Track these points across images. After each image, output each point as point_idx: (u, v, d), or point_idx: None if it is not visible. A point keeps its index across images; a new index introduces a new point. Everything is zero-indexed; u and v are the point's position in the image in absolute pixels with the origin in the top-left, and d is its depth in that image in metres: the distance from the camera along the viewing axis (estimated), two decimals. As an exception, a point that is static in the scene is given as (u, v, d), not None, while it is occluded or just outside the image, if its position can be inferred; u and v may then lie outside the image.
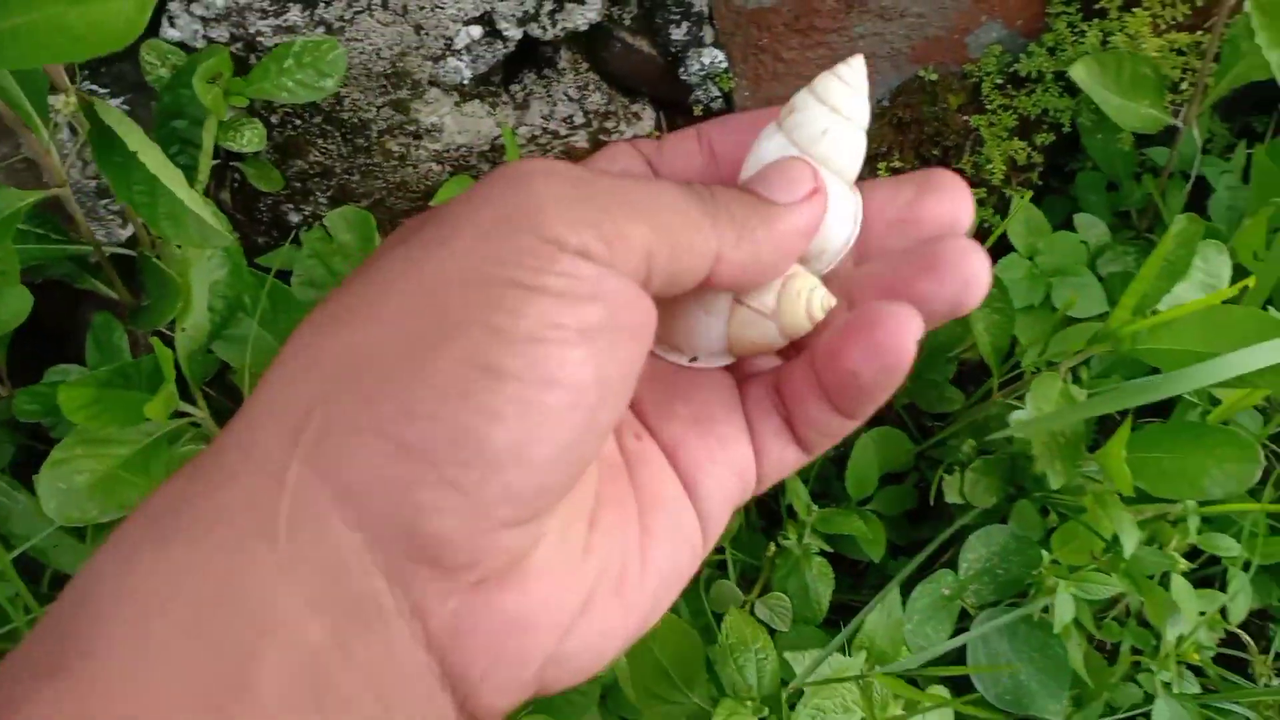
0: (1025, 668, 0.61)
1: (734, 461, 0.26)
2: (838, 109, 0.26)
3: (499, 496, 0.19)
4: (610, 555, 0.23)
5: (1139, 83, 0.59)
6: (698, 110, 0.70)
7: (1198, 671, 0.68)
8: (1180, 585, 0.61)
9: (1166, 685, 0.60)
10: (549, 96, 0.64)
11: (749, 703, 0.51)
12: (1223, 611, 0.67)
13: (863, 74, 0.26)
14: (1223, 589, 0.66)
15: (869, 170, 0.71)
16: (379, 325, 0.20)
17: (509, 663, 0.21)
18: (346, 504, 0.19)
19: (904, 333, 0.23)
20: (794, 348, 0.27)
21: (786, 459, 0.26)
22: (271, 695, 0.18)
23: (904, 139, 0.71)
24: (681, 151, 0.27)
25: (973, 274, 0.24)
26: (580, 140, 0.66)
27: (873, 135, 0.69)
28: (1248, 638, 0.69)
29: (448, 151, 0.63)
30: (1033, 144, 0.71)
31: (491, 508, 0.19)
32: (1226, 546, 0.63)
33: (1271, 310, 0.60)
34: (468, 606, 0.20)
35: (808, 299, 0.25)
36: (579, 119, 0.65)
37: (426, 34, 0.58)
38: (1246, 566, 0.72)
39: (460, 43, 0.58)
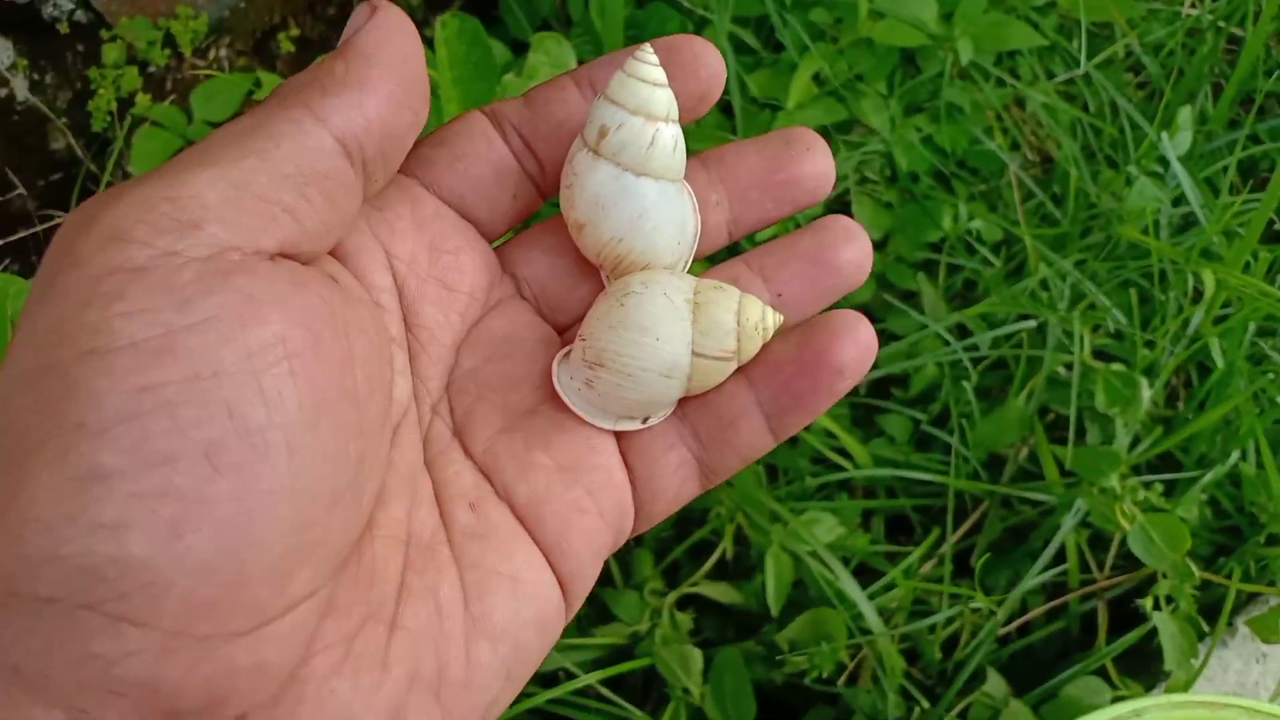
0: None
1: (606, 510, 0.23)
2: (654, 115, 0.24)
3: (183, 611, 0.16)
4: (422, 658, 0.20)
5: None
6: (63, 28, 0.66)
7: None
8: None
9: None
10: None
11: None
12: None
13: (655, 60, 0.24)
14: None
15: (267, 41, 0.71)
16: None
17: None
18: (31, 687, 0.16)
19: (870, 333, 0.24)
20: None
21: (684, 494, 0.25)
22: None
23: (293, 5, 0.72)
24: (560, 103, 0.25)
25: (867, 250, 0.25)
26: (-71, 89, 0.61)
27: (261, 8, 0.69)
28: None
29: None
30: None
31: (184, 628, 0.16)
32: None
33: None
34: None
35: (765, 327, 0.24)
36: (-89, 66, 0.60)
37: None
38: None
39: None
